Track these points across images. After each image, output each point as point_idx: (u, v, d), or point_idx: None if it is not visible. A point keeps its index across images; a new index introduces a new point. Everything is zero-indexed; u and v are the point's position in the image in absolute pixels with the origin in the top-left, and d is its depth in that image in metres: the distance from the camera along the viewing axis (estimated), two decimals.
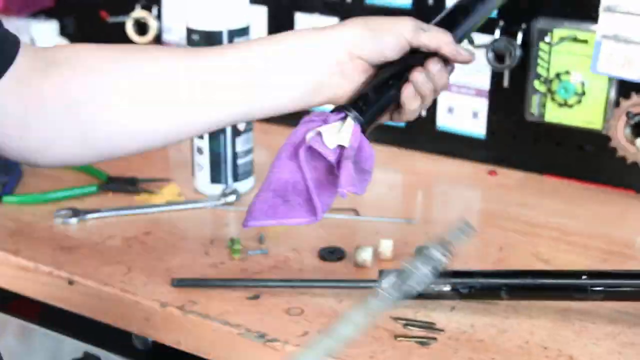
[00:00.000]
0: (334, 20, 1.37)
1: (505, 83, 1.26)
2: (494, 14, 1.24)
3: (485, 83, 1.29)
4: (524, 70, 1.23)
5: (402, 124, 1.36)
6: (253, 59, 0.84)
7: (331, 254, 1.06)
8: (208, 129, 0.87)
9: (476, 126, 1.31)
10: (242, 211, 1.15)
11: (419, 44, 0.86)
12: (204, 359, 0.94)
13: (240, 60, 0.84)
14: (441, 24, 0.90)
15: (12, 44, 0.80)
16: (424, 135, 1.36)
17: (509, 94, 1.27)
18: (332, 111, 0.83)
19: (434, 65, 0.87)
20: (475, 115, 1.30)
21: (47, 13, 1.63)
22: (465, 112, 1.31)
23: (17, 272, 1.06)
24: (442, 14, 0.93)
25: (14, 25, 1.62)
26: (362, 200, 1.20)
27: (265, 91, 0.84)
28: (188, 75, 0.83)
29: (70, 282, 1.02)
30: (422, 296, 0.92)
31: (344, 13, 1.36)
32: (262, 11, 1.42)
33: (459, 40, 0.91)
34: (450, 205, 1.24)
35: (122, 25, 1.52)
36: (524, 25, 1.23)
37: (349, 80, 0.85)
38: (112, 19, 1.51)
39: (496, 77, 1.27)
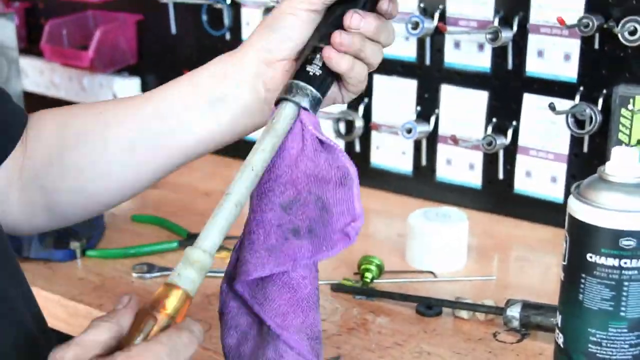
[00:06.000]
0: (412, 82, 1.38)
1: (585, 148, 1.26)
2: (574, 79, 1.24)
3: (564, 148, 1.28)
4: (604, 136, 1.23)
5: (479, 186, 1.37)
6: (172, 104, 0.86)
7: (429, 309, 1.07)
8: (154, 178, 0.91)
9: (554, 190, 1.30)
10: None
11: (325, 4, 0.80)
12: None
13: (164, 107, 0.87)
14: None
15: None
16: (501, 198, 1.36)
17: (588, 160, 1.26)
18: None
19: (347, 18, 0.79)
20: (553, 179, 1.30)
21: (130, 70, 1.68)
22: (543, 176, 1.31)
23: None
24: None
25: (99, 81, 1.67)
26: (438, 263, 1.20)
27: (194, 136, 0.86)
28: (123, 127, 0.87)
29: None
30: None
31: (422, 76, 1.37)
32: None
33: None
34: (528, 269, 1.23)
35: None
36: (604, 91, 1.22)
37: (278, 85, 0.81)
38: None
39: (576, 142, 1.27)
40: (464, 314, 1.06)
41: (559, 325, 0.79)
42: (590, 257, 0.74)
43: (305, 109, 0.76)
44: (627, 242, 0.72)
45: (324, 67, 0.78)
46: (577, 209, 0.75)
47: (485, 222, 1.35)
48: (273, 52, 0.81)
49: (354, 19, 0.78)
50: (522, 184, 1.33)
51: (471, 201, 1.38)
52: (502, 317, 1.01)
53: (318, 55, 0.78)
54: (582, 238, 0.75)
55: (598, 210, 0.74)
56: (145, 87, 1.67)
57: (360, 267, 1.15)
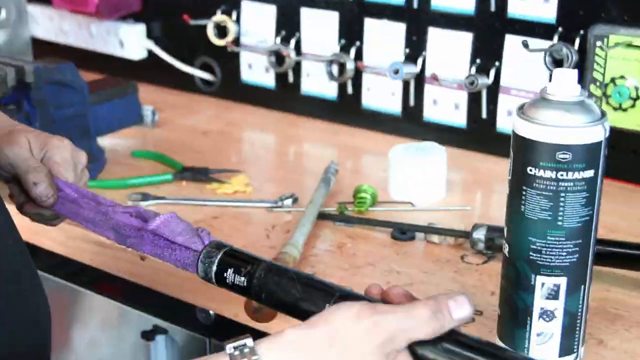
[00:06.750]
0: (401, 25, 1.43)
1: None
2: (553, 20, 1.29)
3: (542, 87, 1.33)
4: (580, 74, 1.27)
5: (464, 125, 1.42)
6: None
7: (402, 234, 1.13)
8: None
9: None
10: (298, 211, 1.23)
11: None
12: (256, 329, 1.02)
13: None
14: None
15: None
16: (484, 137, 1.41)
17: None
18: None
19: None
20: None
21: (135, 17, 1.74)
22: None
23: (97, 248, 1.15)
24: None
25: (106, 28, 1.74)
26: (417, 195, 1.26)
27: None
28: None
29: (142, 258, 1.11)
30: None
31: (410, 19, 1.42)
32: (334, 16, 1.50)
33: None
34: (504, 202, 1.28)
35: (203, 28, 1.62)
36: (581, 32, 1.27)
37: None
38: (193, 22, 1.60)
39: None
40: (435, 238, 1.12)
41: (505, 236, 0.85)
42: (531, 170, 0.80)
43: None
44: (563, 156, 0.78)
45: None
46: (520, 126, 0.81)
47: (469, 160, 1.41)
48: None
49: None
50: (505, 123, 1.39)
51: (456, 140, 1.43)
52: (469, 240, 1.08)
53: None
54: (524, 153, 0.81)
55: (538, 126, 0.79)
56: (150, 34, 1.74)
57: (355, 195, 1.22)
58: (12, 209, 0.91)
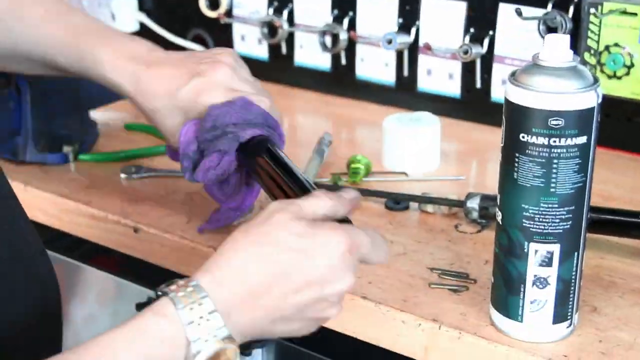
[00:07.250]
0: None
1: None
2: None
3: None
4: (575, 42, 1.27)
5: (458, 95, 1.42)
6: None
7: (396, 204, 1.13)
8: None
9: None
10: None
11: None
12: None
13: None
14: None
15: None
16: (479, 107, 1.40)
17: None
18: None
19: None
20: None
21: None
22: None
23: (89, 221, 1.15)
24: None
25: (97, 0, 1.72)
26: (411, 165, 1.25)
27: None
28: None
29: (136, 230, 1.10)
30: None
31: None
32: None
33: None
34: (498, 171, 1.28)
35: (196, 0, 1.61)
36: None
37: None
38: None
39: None
40: (429, 207, 1.12)
41: (498, 204, 0.85)
42: (523, 137, 0.79)
43: None
44: (556, 122, 0.78)
45: None
46: (512, 92, 0.81)
47: (463, 130, 1.40)
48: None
49: None
50: (499, 92, 1.38)
51: (450, 110, 1.43)
52: (463, 209, 1.07)
53: None
54: (516, 119, 0.80)
55: (530, 92, 0.79)
56: (142, 6, 1.72)
57: (349, 166, 1.21)
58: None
